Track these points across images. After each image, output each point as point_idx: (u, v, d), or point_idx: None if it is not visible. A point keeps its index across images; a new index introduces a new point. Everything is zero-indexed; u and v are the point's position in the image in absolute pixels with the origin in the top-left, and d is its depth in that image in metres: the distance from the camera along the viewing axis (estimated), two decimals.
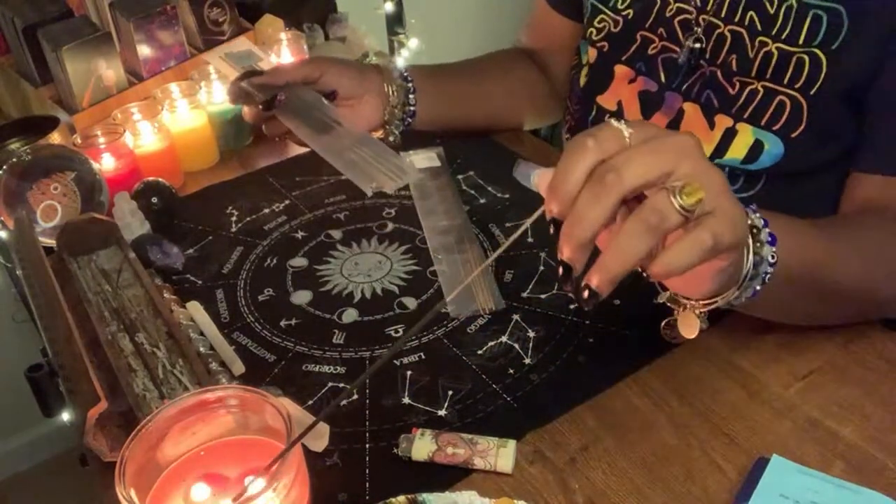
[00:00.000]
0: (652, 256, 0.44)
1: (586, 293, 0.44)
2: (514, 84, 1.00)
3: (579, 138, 0.45)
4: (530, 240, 0.79)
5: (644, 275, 0.46)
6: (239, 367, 0.67)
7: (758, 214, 0.52)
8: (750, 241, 0.51)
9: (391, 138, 0.90)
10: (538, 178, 0.48)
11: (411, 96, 0.89)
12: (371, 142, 0.79)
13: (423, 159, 0.93)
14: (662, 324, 0.56)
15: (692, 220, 0.43)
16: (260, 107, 0.83)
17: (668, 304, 0.54)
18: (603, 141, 0.45)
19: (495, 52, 1.04)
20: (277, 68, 0.88)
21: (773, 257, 0.52)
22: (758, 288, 0.52)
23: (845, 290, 0.60)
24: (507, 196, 0.88)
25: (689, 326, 0.53)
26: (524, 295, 0.73)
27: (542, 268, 0.76)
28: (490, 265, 0.76)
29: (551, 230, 0.46)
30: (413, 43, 1.45)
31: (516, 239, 0.47)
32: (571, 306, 0.71)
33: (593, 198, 0.44)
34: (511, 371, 0.65)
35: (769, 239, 0.51)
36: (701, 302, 0.52)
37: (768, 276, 0.52)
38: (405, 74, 0.89)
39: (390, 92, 0.88)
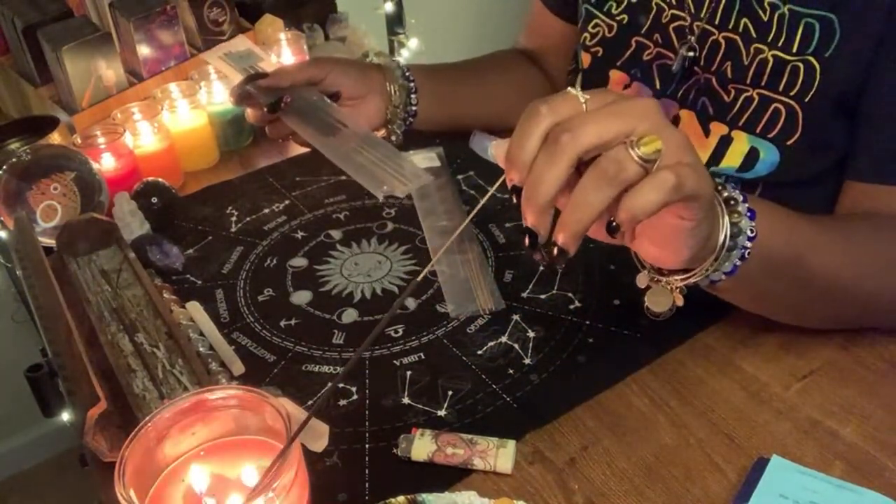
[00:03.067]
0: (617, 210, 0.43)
1: (555, 251, 0.44)
2: (514, 84, 1.00)
3: (532, 105, 0.45)
4: None
5: (613, 224, 0.45)
6: (239, 368, 0.67)
7: (737, 190, 0.52)
8: (725, 211, 0.51)
9: (393, 137, 0.90)
10: (495, 149, 0.49)
11: (413, 96, 0.89)
12: (378, 143, 0.79)
13: (423, 159, 0.93)
14: (645, 300, 0.55)
15: (652, 172, 0.43)
16: (265, 109, 0.83)
17: (650, 284, 0.54)
18: (557, 106, 0.45)
19: (496, 52, 1.04)
20: (281, 70, 0.87)
21: (752, 231, 0.52)
22: (737, 262, 0.52)
23: (830, 280, 0.59)
24: (506, 196, 0.87)
25: (659, 302, 0.53)
26: (524, 295, 0.73)
27: (541, 268, 0.76)
28: (490, 266, 0.76)
29: (514, 199, 0.46)
30: (413, 43, 1.45)
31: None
32: (571, 306, 0.71)
33: (548, 160, 0.44)
34: (511, 371, 0.65)
35: (749, 213, 0.52)
36: (678, 277, 0.52)
37: (748, 251, 0.52)
38: (407, 74, 0.89)
39: (393, 91, 0.88)
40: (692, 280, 0.53)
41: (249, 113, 0.87)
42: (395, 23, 1.57)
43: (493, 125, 1.00)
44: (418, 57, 1.40)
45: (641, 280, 0.54)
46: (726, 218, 0.51)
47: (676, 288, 0.53)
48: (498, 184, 0.47)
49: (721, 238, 0.51)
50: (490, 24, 2.08)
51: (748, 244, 0.52)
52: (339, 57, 0.96)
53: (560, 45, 0.98)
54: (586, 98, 0.45)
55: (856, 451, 0.56)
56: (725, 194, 0.52)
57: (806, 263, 0.58)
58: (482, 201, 0.49)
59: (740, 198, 0.52)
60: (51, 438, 1.86)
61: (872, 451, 0.56)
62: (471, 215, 0.50)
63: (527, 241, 0.46)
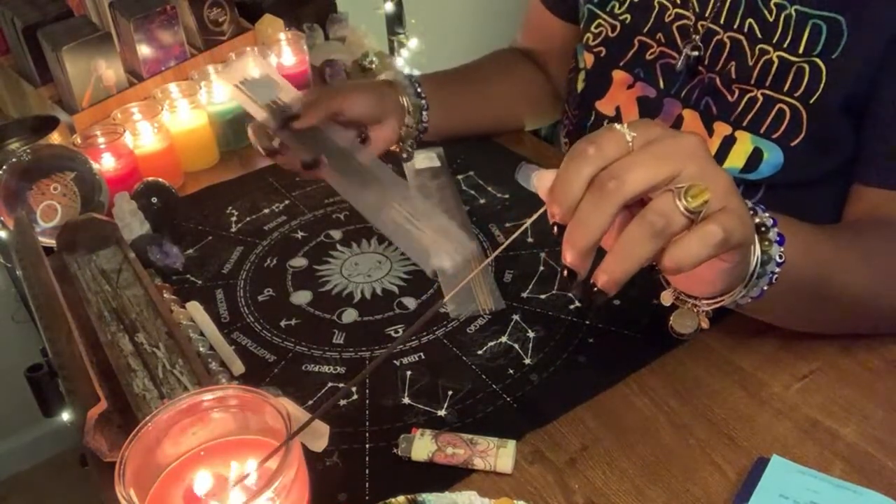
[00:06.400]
0: (661, 252, 0.44)
1: (594, 290, 0.44)
2: (515, 86, 1.00)
3: (581, 144, 0.45)
4: (530, 240, 0.79)
5: (656, 268, 0.46)
6: (239, 367, 0.67)
7: (767, 214, 0.52)
8: (756, 239, 0.50)
9: (405, 155, 0.89)
10: (537, 181, 0.49)
11: (424, 113, 0.88)
12: (414, 199, 0.73)
13: (423, 159, 0.93)
14: (670, 320, 0.56)
15: (698, 221, 0.43)
16: (301, 166, 0.76)
17: (675, 304, 0.54)
18: (604, 147, 0.44)
19: (495, 52, 1.04)
20: (306, 107, 0.79)
21: (780, 257, 0.51)
22: (765, 288, 0.52)
23: (850, 297, 0.60)
24: (506, 196, 0.88)
25: (685, 325, 0.53)
26: (524, 295, 0.73)
27: (541, 268, 0.76)
28: (490, 265, 0.76)
29: (554, 231, 0.46)
30: (413, 43, 1.45)
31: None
32: (571, 306, 0.71)
33: (594, 205, 0.43)
34: (511, 371, 0.65)
35: (778, 238, 0.51)
36: (706, 301, 0.52)
37: (775, 276, 0.52)
38: (419, 91, 0.88)
39: (407, 111, 0.86)
40: (719, 305, 0.52)
41: (261, 148, 0.81)
42: (395, 23, 1.57)
43: (495, 128, 1.00)
44: (418, 57, 1.40)
45: (666, 297, 0.54)
46: (757, 246, 0.51)
47: (703, 311, 0.53)
48: (536, 216, 0.47)
49: (752, 266, 0.51)
50: (490, 24, 2.08)
51: (777, 270, 0.52)
52: (354, 82, 0.92)
53: (559, 45, 0.97)
54: (633, 136, 0.45)
55: (856, 451, 0.56)
56: (757, 220, 0.51)
57: (829, 283, 0.58)
58: (514, 235, 0.49)
59: (770, 222, 0.51)
60: (51, 438, 1.86)
61: (872, 451, 0.56)
62: (501, 247, 0.50)
63: (565, 274, 0.46)
